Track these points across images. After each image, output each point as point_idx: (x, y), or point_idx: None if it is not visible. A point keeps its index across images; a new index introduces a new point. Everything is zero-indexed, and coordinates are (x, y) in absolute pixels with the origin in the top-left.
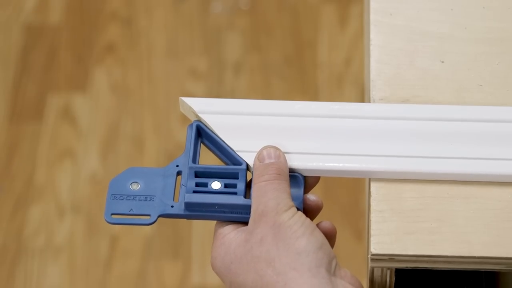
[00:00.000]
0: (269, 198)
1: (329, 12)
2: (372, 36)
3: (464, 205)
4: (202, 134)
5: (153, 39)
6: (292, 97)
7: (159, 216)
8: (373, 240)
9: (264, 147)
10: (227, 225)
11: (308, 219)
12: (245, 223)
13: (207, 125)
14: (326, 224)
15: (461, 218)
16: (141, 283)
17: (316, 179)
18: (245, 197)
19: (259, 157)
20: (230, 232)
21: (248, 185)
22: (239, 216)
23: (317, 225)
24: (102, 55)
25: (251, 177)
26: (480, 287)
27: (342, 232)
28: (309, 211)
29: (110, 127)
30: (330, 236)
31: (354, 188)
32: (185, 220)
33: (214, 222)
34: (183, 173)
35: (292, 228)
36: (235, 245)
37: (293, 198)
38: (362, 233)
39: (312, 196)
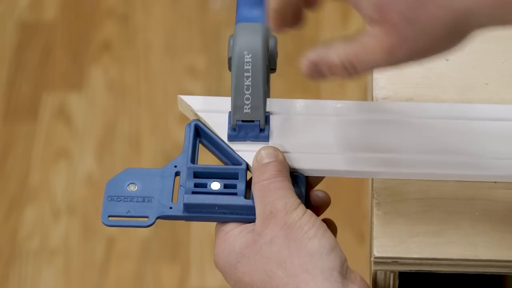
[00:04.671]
0: (276, 198)
1: (331, 9)
2: None
3: (469, 206)
4: (200, 134)
5: (150, 36)
6: (293, 96)
7: (158, 218)
8: (376, 242)
9: (262, 147)
10: (230, 222)
11: (318, 219)
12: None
13: (206, 124)
14: (319, 193)
15: (466, 220)
16: (139, 286)
17: (319, 178)
18: (245, 197)
19: (258, 158)
20: (234, 229)
21: (248, 185)
22: (240, 217)
23: (311, 195)
24: (98, 53)
25: (251, 176)
26: None
27: (344, 234)
28: (317, 207)
29: (107, 127)
30: (325, 205)
31: (356, 189)
32: (183, 221)
33: (213, 224)
34: (181, 174)
35: (303, 228)
36: (241, 244)
37: None
38: (364, 235)
39: (320, 193)
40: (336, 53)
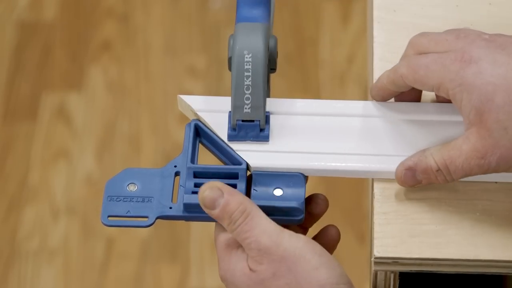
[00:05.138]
0: (256, 237)
1: (331, 8)
2: (375, 33)
3: (470, 206)
4: (200, 134)
5: (150, 36)
6: (293, 95)
7: (157, 217)
8: (376, 243)
9: (201, 190)
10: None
11: (316, 243)
12: None
13: (206, 124)
14: (332, 231)
15: (467, 220)
16: (138, 286)
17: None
18: None
19: (206, 205)
20: (236, 249)
21: (248, 185)
22: None
23: (322, 230)
24: (98, 53)
25: (249, 174)
26: None
27: (345, 234)
28: (316, 214)
29: (106, 127)
30: (334, 244)
31: (356, 189)
32: (183, 222)
33: (213, 224)
34: (181, 174)
35: (306, 257)
36: (241, 272)
37: (294, 198)
38: (365, 235)
39: (321, 195)
40: (431, 156)
